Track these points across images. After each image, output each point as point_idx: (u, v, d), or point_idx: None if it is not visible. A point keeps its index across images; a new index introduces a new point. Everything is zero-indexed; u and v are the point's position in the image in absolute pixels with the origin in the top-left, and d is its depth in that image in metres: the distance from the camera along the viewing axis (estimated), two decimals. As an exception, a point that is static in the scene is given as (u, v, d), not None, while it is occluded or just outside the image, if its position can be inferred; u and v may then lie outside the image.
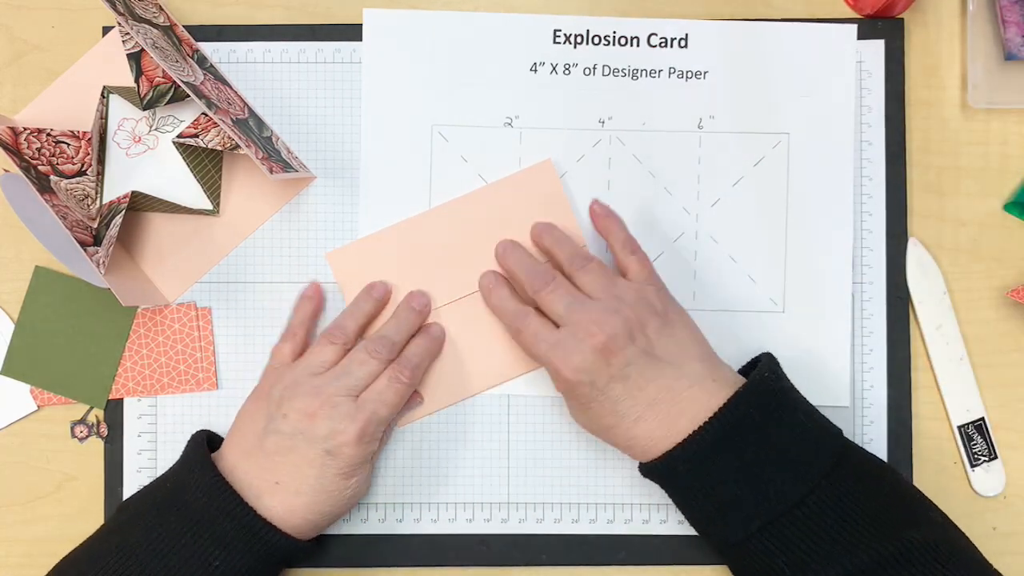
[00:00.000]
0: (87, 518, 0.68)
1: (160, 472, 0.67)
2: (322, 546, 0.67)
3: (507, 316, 0.64)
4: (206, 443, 0.64)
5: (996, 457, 0.68)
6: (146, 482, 0.67)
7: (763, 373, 0.60)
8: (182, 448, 0.67)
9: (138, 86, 0.66)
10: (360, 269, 0.68)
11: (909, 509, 0.59)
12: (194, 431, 0.66)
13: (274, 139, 0.67)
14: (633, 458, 0.62)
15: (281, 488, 0.60)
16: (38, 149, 0.66)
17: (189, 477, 0.61)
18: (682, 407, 0.59)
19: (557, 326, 0.61)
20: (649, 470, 0.61)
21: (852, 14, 0.70)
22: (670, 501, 0.66)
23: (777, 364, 0.62)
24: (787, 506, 0.57)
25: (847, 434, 0.67)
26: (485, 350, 0.67)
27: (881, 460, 0.61)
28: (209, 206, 0.68)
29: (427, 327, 0.67)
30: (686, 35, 0.69)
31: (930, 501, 0.61)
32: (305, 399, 0.61)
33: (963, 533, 0.59)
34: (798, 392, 0.61)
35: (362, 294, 0.67)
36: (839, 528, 0.56)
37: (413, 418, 0.68)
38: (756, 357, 0.64)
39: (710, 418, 0.58)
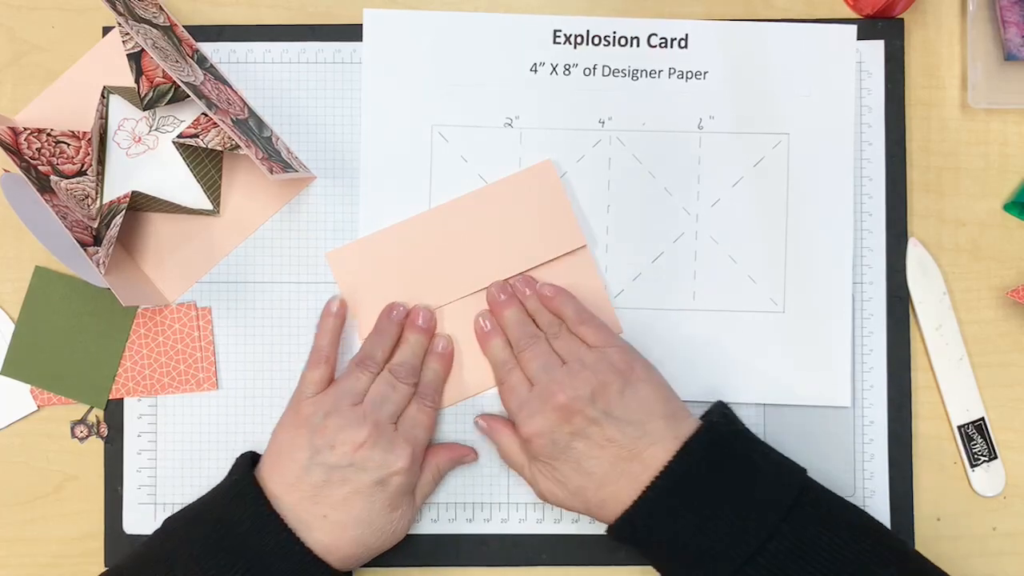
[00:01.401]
0: (87, 518, 0.68)
1: (160, 472, 0.68)
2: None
3: (495, 365, 0.66)
4: (252, 469, 0.63)
5: (996, 457, 0.68)
6: (146, 482, 0.67)
7: (711, 419, 0.62)
8: (182, 447, 0.67)
9: (138, 86, 0.66)
10: (360, 269, 0.68)
11: (879, 544, 0.58)
12: (187, 434, 0.66)
13: (274, 139, 0.67)
14: (603, 520, 0.62)
15: (328, 522, 0.60)
16: (38, 149, 0.66)
17: (241, 511, 0.60)
18: (645, 464, 0.60)
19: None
20: (615, 533, 0.61)
21: (852, 14, 0.70)
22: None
23: (728, 409, 0.63)
24: (750, 552, 0.56)
25: (848, 433, 0.67)
26: None
27: (842, 498, 0.61)
28: (209, 206, 0.68)
29: (435, 343, 0.67)
30: (686, 35, 0.69)
31: (896, 536, 0.61)
32: (352, 430, 0.61)
33: (933, 564, 0.59)
34: (752, 435, 0.62)
35: (384, 319, 0.66)
36: (808, 571, 0.56)
37: None
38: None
39: (660, 471, 0.59)
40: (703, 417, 0.63)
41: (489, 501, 0.68)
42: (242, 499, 0.61)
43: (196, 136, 0.66)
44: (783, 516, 0.57)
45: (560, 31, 0.69)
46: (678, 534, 0.58)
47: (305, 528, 0.60)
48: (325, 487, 0.60)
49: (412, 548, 0.67)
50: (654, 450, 0.60)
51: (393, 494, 0.61)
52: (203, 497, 0.63)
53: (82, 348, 0.68)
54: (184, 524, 0.61)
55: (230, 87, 0.68)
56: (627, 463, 0.60)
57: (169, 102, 0.67)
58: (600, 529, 0.67)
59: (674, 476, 0.59)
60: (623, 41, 0.69)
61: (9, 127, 0.65)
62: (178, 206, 0.67)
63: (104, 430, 0.68)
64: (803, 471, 0.60)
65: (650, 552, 0.61)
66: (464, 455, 0.67)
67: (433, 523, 0.68)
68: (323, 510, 0.60)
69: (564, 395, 0.61)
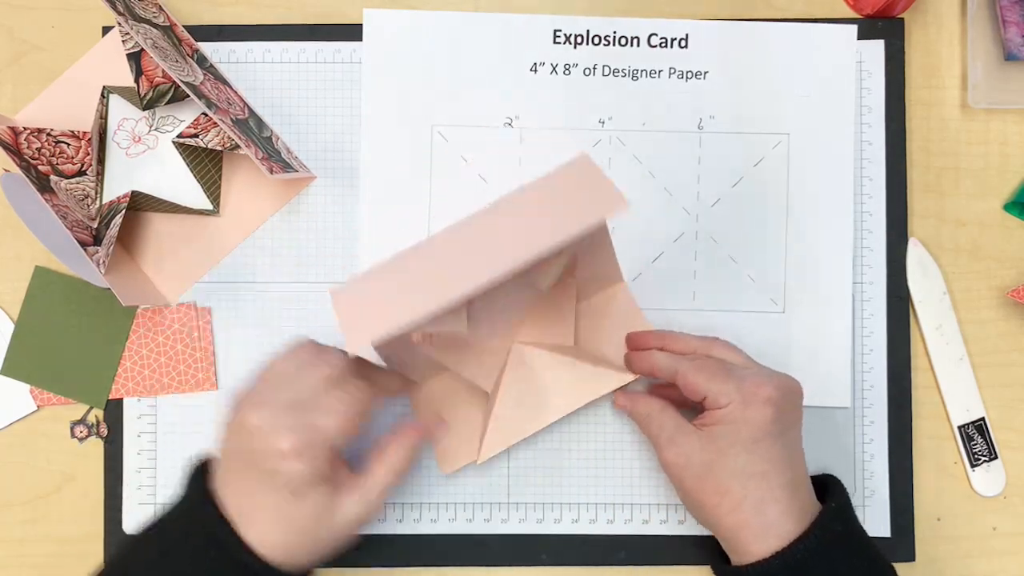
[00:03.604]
0: (87, 518, 0.68)
1: (160, 472, 0.68)
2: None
3: (663, 369, 0.61)
4: (202, 473, 0.59)
5: (996, 457, 0.68)
6: (146, 482, 0.67)
7: (843, 497, 0.60)
8: (182, 447, 0.67)
9: (138, 86, 0.66)
10: (368, 311, 0.54)
11: None
12: (187, 434, 0.66)
13: (274, 139, 0.67)
14: (735, 535, 0.58)
15: (246, 519, 0.56)
16: (38, 149, 0.66)
17: (191, 520, 0.57)
18: (805, 500, 0.58)
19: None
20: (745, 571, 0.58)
21: (852, 14, 0.70)
22: (669, 501, 0.66)
23: (847, 491, 0.62)
24: None
25: (848, 433, 0.67)
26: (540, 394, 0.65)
27: None
28: (209, 206, 0.68)
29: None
30: (686, 35, 0.69)
31: None
32: (248, 413, 0.56)
33: None
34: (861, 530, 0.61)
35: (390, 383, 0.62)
36: None
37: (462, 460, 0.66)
38: (819, 476, 0.63)
39: (819, 516, 0.57)
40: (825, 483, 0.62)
41: (489, 501, 0.68)
42: (190, 501, 0.58)
43: (196, 136, 0.66)
44: None
45: (560, 31, 0.69)
46: None
47: (235, 521, 0.56)
48: (240, 479, 0.57)
49: (412, 548, 0.67)
50: (801, 492, 0.58)
51: (287, 482, 0.55)
52: (160, 516, 0.59)
53: (82, 348, 0.68)
54: (140, 542, 0.59)
55: (230, 87, 0.68)
56: (785, 485, 0.58)
57: (169, 102, 0.67)
58: (600, 530, 0.67)
59: (819, 540, 0.57)
60: (623, 41, 0.69)
61: (9, 127, 0.65)
62: (178, 206, 0.67)
63: (104, 430, 0.68)
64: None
65: None
66: (421, 434, 0.61)
67: (433, 523, 0.68)
68: (239, 502, 0.56)
69: (792, 384, 0.59)
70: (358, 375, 0.59)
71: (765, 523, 0.57)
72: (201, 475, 0.58)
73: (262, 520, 0.56)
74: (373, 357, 0.59)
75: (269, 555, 0.56)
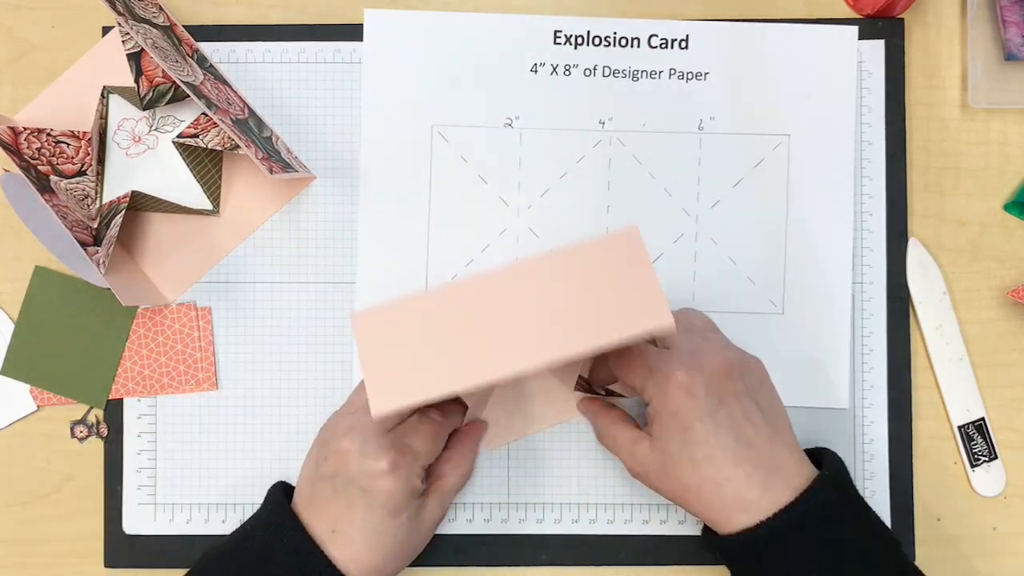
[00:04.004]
0: (87, 518, 0.68)
1: (160, 472, 0.68)
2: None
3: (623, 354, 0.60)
4: (285, 497, 0.62)
5: (996, 457, 0.68)
6: (146, 482, 0.67)
7: (837, 465, 0.59)
8: (182, 447, 0.67)
9: (138, 86, 0.66)
10: (389, 334, 0.54)
11: None
12: (187, 434, 0.66)
13: (274, 139, 0.67)
14: (712, 517, 0.58)
15: (338, 537, 0.59)
16: (38, 149, 0.66)
17: (275, 539, 0.59)
18: (777, 464, 0.57)
19: None
20: (747, 540, 0.57)
21: (852, 14, 0.70)
22: (669, 501, 0.66)
23: (842, 459, 0.61)
24: None
25: (848, 433, 0.67)
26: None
27: None
28: (209, 206, 0.68)
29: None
30: (687, 36, 0.69)
31: None
32: (340, 439, 0.59)
33: None
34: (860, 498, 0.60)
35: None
36: None
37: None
38: (814, 449, 0.63)
39: (807, 489, 0.56)
40: (820, 456, 0.61)
41: (489, 501, 0.68)
42: (276, 527, 0.60)
43: (196, 136, 0.66)
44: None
45: (560, 31, 0.69)
46: (807, 562, 0.56)
47: (322, 544, 0.59)
48: (327, 502, 0.59)
49: (412, 548, 0.68)
50: (783, 453, 0.58)
51: (386, 501, 0.58)
52: (237, 531, 0.62)
53: (82, 348, 0.68)
54: (222, 560, 0.60)
55: (230, 87, 0.68)
56: (760, 453, 0.57)
57: (169, 102, 0.67)
58: (600, 530, 0.67)
59: (818, 502, 0.56)
60: (623, 42, 0.69)
61: (9, 127, 0.65)
62: (178, 206, 0.67)
63: (104, 430, 0.68)
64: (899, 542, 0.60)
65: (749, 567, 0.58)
66: (477, 433, 0.66)
67: (433, 523, 0.68)
68: (332, 525, 0.59)
69: (720, 356, 0.58)
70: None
71: (728, 502, 0.57)
72: (284, 499, 0.61)
73: (357, 540, 0.59)
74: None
75: (357, 574, 0.59)
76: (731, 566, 0.60)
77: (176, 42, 0.67)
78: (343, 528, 0.59)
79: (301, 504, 0.61)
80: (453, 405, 0.65)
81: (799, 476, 0.57)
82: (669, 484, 0.59)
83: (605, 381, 0.65)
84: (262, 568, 0.58)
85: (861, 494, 0.60)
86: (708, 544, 0.61)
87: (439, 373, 0.53)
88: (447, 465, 0.64)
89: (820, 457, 0.60)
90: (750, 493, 0.56)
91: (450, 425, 0.63)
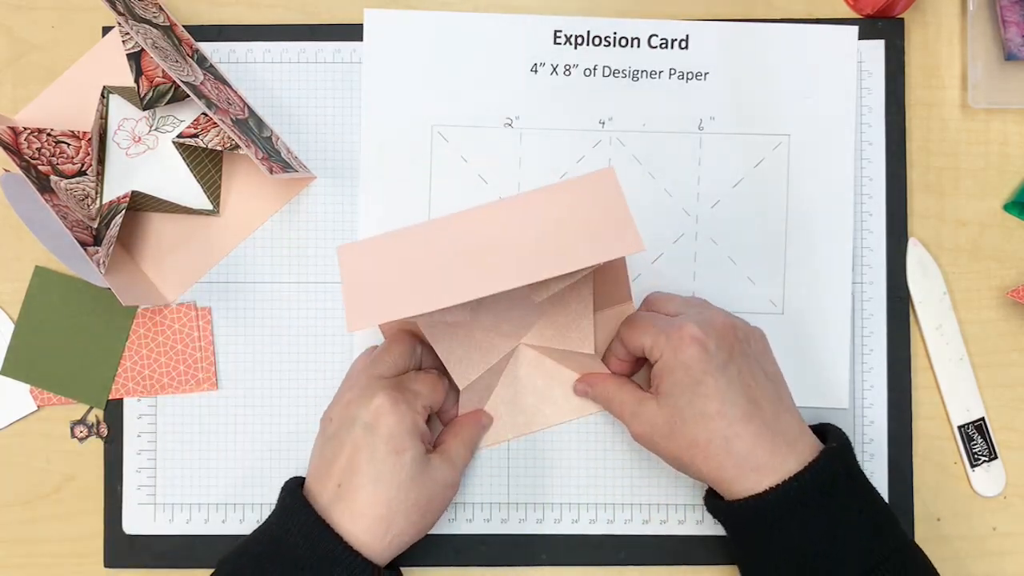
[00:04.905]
0: (87, 518, 0.68)
1: (160, 472, 0.68)
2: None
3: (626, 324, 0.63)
4: (298, 486, 0.61)
5: (996, 457, 0.68)
6: (146, 482, 0.68)
7: (843, 439, 0.60)
8: (182, 447, 0.67)
9: (138, 86, 0.66)
10: (371, 262, 0.57)
11: None
12: (187, 434, 0.66)
13: (274, 139, 0.67)
14: (717, 476, 0.58)
15: (344, 491, 0.58)
16: (38, 149, 0.66)
17: (286, 522, 0.59)
18: (782, 428, 0.58)
19: None
20: (756, 505, 0.57)
21: (852, 14, 0.70)
22: (669, 501, 0.66)
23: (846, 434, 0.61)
24: (865, 569, 0.55)
25: (848, 433, 0.67)
26: (549, 390, 0.67)
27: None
28: (209, 206, 0.68)
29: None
30: (687, 36, 0.69)
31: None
32: (341, 394, 0.62)
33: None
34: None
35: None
36: None
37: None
38: (818, 425, 0.63)
39: (815, 460, 0.57)
40: (825, 430, 0.62)
41: (489, 501, 0.68)
42: (289, 512, 0.60)
43: (196, 136, 0.66)
44: (897, 547, 0.57)
45: (560, 31, 0.69)
46: (811, 530, 0.56)
47: (329, 512, 0.58)
48: (334, 460, 0.59)
49: (412, 547, 0.67)
50: (787, 417, 0.58)
51: (388, 435, 0.58)
52: (255, 531, 0.61)
53: (82, 348, 0.68)
54: (236, 555, 0.60)
55: (230, 87, 0.68)
56: (767, 414, 0.57)
57: (169, 102, 0.67)
58: (600, 530, 0.67)
59: (826, 472, 0.57)
60: (623, 42, 0.69)
61: (9, 127, 0.65)
62: (178, 206, 0.67)
63: (104, 430, 0.68)
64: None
65: (766, 537, 0.58)
66: (479, 415, 0.67)
67: (433, 523, 0.68)
68: (336, 480, 0.58)
69: (728, 319, 0.59)
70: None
71: (738, 460, 0.57)
72: (296, 486, 0.61)
73: (363, 488, 0.58)
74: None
75: (367, 535, 0.57)
76: (732, 531, 0.60)
77: (176, 42, 0.67)
78: (348, 477, 0.58)
79: (311, 479, 0.60)
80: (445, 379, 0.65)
81: (804, 445, 0.58)
82: (676, 442, 0.59)
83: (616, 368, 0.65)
84: (276, 552, 0.58)
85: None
86: (712, 508, 0.61)
87: (416, 293, 0.54)
88: (449, 433, 0.65)
89: (825, 433, 0.61)
90: (759, 453, 0.57)
91: (445, 386, 0.64)
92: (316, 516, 0.57)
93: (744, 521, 0.58)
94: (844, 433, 0.61)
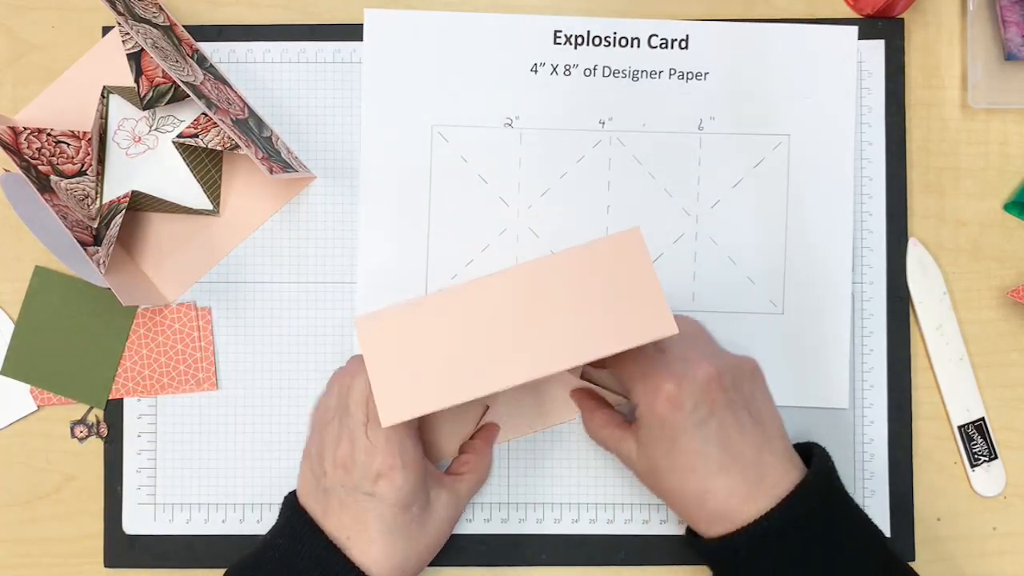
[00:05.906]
0: (87, 518, 0.68)
1: (160, 472, 0.68)
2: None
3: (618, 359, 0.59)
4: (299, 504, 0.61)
5: (996, 457, 0.68)
6: (146, 482, 0.67)
7: (823, 464, 0.59)
8: (182, 447, 0.67)
9: (138, 86, 0.66)
10: (394, 341, 0.54)
11: None
12: (187, 434, 0.66)
13: (274, 139, 0.67)
14: (693, 523, 0.59)
15: (354, 543, 0.58)
16: (38, 149, 0.66)
17: (295, 545, 0.59)
18: (763, 474, 0.57)
19: None
20: (728, 545, 0.57)
21: (852, 14, 0.70)
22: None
23: (830, 457, 0.61)
24: None
25: (847, 433, 0.67)
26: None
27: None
28: (209, 206, 0.68)
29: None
30: (687, 36, 0.69)
31: None
32: (334, 450, 0.59)
33: None
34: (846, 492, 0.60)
35: None
36: None
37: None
38: (803, 444, 0.62)
39: (786, 496, 0.56)
40: (810, 452, 0.61)
41: (489, 501, 0.68)
42: (296, 536, 0.60)
43: (196, 136, 0.66)
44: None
45: (560, 31, 0.69)
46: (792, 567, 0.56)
47: (342, 548, 0.58)
48: (340, 512, 0.59)
49: (412, 548, 0.67)
50: (773, 462, 0.57)
51: (394, 500, 0.58)
52: (257, 547, 0.61)
53: (82, 348, 0.68)
54: (244, 571, 0.60)
55: (230, 87, 0.68)
56: (748, 463, 0.57)
57: (169, 102, 0.67)
58: (600, 530, 0.67)
59: (803, 505, 0.56)
60: (623, 42, 0.69)
61: (9, 127, 0.65)
62: (178, 206, 0.67)
63: (104, 430, 0.68)
64: (884, 537, 0.59)
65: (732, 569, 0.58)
66: (492, 436, 0.67)
67: (433, 523, 0.68)
68: (346, 532, 0.59)
69: (712, 366, 0.57)
70: None
71: (706, 512, 0.57)
72: (301, 508, 0.60)
73: (375, 542, 0.58)
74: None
75: (379, 573, 0.58)
76: (712, 567, 0.61)
77: (176, 42, 0.67)
78: (358, 534, 0.58)
79: (319, 511, 0.60)
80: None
81: (784, 483, 0.57)
82: (652, 483, 0.60)
83: (600, 380, 0.65)
84: (285, 574, 0.58)
85: (850, 491, 0.60)
86: (690, 544, 0.62)
87: (446, 383, 0.53)
88: (464, 466, 0.65)
89: (810, 453, 0.60)
90: (731, 504, 0.57)
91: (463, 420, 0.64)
92: (327, 541, 0.58)
93: (717, 559, 0.59)
94: (826, 456, 0.60)
